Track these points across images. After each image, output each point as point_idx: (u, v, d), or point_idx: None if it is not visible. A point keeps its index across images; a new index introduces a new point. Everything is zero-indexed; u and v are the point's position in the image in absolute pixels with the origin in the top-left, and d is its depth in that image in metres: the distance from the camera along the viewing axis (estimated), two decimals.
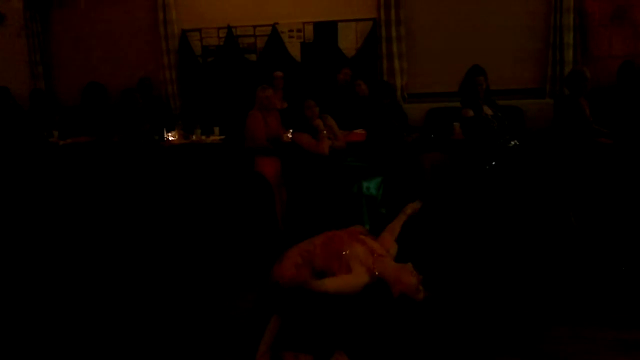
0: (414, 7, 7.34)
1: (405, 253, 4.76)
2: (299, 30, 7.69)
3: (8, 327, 3.79)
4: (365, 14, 7.43)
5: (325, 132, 5.48)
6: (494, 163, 4.96)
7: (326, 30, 7.60)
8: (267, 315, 3.07)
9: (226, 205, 5.76)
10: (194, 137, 6.86)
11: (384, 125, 6.00)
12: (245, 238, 5.35)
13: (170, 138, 6.86)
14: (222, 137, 6.82)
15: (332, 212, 5.20)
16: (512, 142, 5.15)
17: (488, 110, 5.06)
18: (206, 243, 5.34)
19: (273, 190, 5.57)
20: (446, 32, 7.23)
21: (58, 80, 8.67)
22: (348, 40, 7.57)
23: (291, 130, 5.96)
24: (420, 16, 7.34)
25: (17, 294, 4.38)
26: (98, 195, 6.02)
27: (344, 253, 3.05)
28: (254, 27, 7.80)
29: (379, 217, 5.24)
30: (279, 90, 6.97)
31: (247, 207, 5.50)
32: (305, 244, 3.18)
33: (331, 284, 2.95)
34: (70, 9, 8.41)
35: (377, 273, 3.00)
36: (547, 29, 6.88)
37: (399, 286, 2.97)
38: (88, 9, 8.34)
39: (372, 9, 7.36)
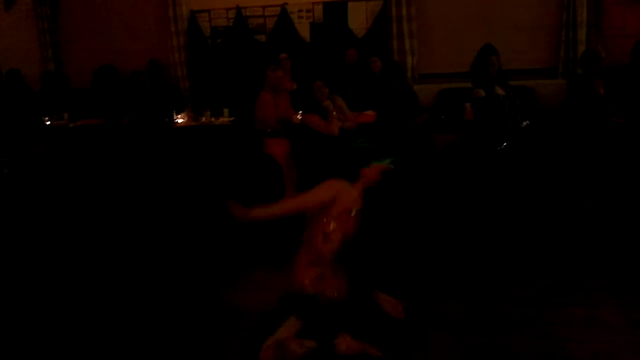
0: None
1: (416, 235, 4.78)
2: (308, 11, 7.62)
3: (5, 324, 3.80)
4: None
5: (334, 113, 5.46)
6: (505, 144, 4.91)
7: (336, 10, 7.52)
8: (285, 314, 3.11)
9: (236, 187, 5.76)
10: (203, 119, 6.85)
11: (394, 106, 5.96)
12: None
13: (180, 120, 6.85)
14: (232, 118, 6.81)
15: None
16: (524, 123, 5.10)
17: (500, 91, 5.00)
18: (216, 224, 5.35)
19: (283, 172, 5.57)
20: (457, 12, 7.14)
21: (68, 62, 8.67)
22: (358, 20, 7.49)
23: (301, 112, 5.93)
24: None
25: (19, 282, 4.39)
26: (108, 177, 6.04)
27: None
28: (263, 7, 7.74)
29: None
30: (287, 72, 6.93)
31: (257, 188, 5.50)
32: (305, 249, 3.19)
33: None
34: None
35: None
36: (561, 8, 6.78)
37: None
38: None
39: None
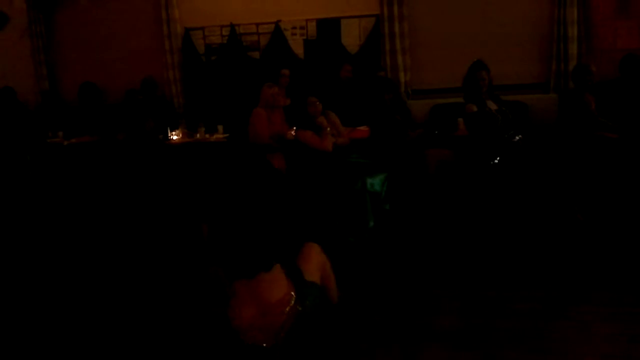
0: (417, 3, 7.31)
1: (413, 248, 4.78)
2: (302, 28, 7.68)
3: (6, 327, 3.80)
4: (368, 10, 7.41)
5: (328, 128, 5.48)
6: (498, 158, 4.94)
7: (329, 27, 7.58)
8: None
9: (232, 203, 5.75)
10: (197, 135, 6.87)
11: (387, 122, 6.00)
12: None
13: (174, 137, 6.87)
14: (226, 135, 6.83)
15: (336, 209, 5.19)
16: (517, 137, 5.15)
17: (492, 106, 5.04)
18: (211, 239, 5.33)
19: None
20: (449, 27, 7.20)
21: (62, 80, 8.69)
22: (351, 37, 7.55)
23: (295, 128, 5.95)
24: (423, 12, 7.31)
25: (18, 294, 4.38)
26: (102, 194, 6.03)
27: None
28: (257, 24, 7.80)
29: (383, 213, 5.24)
30: (282, 88, 6.97)
31: (261, 196, 5.49)
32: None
33: None
34: (74, 10, 8.43)
35: None
36: (551, 23, 6.84)
37: None
38: (91, 9, 8.34)
39: (375, 5, 7.34)
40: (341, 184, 5.24)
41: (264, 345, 2.74)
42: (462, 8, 7.13)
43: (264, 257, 2.76)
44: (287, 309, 2.77)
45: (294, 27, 7.71)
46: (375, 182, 5.23)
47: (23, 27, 8.53)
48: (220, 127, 6.93)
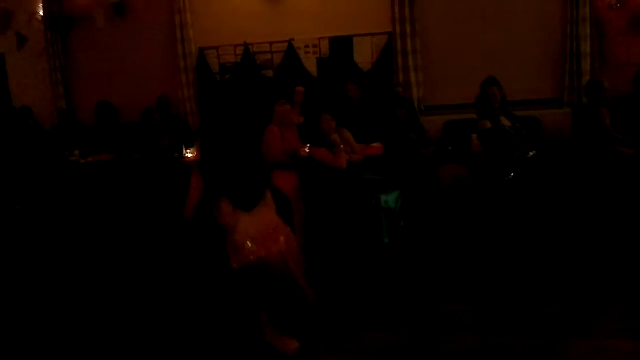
0: (429, 21, 7.36)
1: (428, 265, 4.77)
2: (315, 46, 7.74)
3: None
4: (381, 28, 7.46)
5: (342, 146, 5.50)
6: (512, 175, 4.93)
7: (342, 45, 7.64)
8: None
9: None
10: None
11: (400, 139, 6.01)
12: None
13: (189, 155, 6.92)
14: None
15: (350, 226, 5.20)
16: (531, 153, 5.13)
17: (506, 122, 5.04)
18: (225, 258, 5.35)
19: (291, 205, 5.58)
20: (462, 44, 7.24)
21: (79, 99, 8.81)
22: (364, 55, 7.60)
23: (309, 145, 5.99)
24: (436, 29, 7.35)
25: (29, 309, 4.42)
26: (119, 212, 6.08)
27: None
28: (271, 43, 7.87)
29: (397, 230, 5.24)
30: (296, 105, 7.01)
31: None
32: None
33: None
34: (90, 31, 8.56)
35: None
36: (564, 39, 6.86)
37: None
38: (107, 29, 8.48)
39: (387, 23, 7.39)
40: (356, 201, 5.26)
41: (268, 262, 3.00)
42: (474, 24, 7.17)
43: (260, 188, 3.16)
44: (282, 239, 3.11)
45: (307, 46, 7.78)
46: (389, 199, 5.24)
47: (40, 47, 8.67)
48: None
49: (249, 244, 3.00)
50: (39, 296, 4.68)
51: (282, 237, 3.13)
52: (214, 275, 3.22)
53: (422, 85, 7.42)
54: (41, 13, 8.49)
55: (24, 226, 5.65)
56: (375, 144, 6.35)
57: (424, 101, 7.46)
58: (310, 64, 7.80)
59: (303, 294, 3.15)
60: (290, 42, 7.79)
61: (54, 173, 6.66)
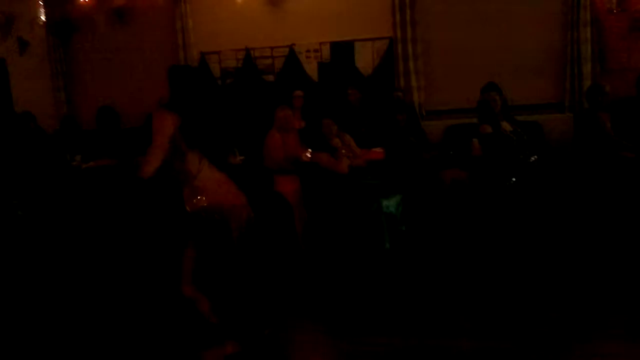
0: (430, 25, 7.37)
1: (426, 272, 4.77)
2: (316, 51, 7.76)
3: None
4: (382, 33, 7.47)
5: (343, 150, 5.51)
6: (514, 179, 4.93)
7: (343, 50, 7.66)
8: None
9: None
10: None
11: (401, 143, 6.01)
12: (266, 257, 5.35)
13: None
14: (242, 157, 6.87)
15: (351, 231, 5.20)
16: (533, 158, 5.14)
17: (507, 126, 5.05)
18: (227, 262, 5.35)
19: (293, 210, 5.59)
20: (463, 48, 7.24)
21: (80, 104, 8.83)
22: (365, 59, 7.61)
23: (310, 150, 5.99)
24: (437, 34, 7.37)
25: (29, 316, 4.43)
26: (119, 217, 6.08)
27: None
28: (272, 48, 7.89)
29: (399, 235, 5.24)
30: (297, 110, 7.02)
31: (267, 226, 5.51)
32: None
33: None
34: (91, 35, 8.59)
35: None
36: (565, 44, 6.87)
37: None
38: (108, 34, 8.51)
39: (388, 28, 7.41)
40: (357, 206, 5.26)
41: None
42: (475, 29, 7.18)
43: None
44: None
45: (308, 51, 7.79)
46: (390, 204, 5.24)
47: (42, 52, 8.69)
48: (235, 150, 6.97)
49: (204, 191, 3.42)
50: (42, 300, 4.69)
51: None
52: (170, 218, 3.76)
53: (423, 89, 7.43)
54: (43, 18, 8.50)
55: (27, 231, 5.66)
56: (376, 149, 6.35)
57: (425, 106, 7.47)
58: (311, 69, 7.81)
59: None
60: (291, 47, 7.81)
61: (56, 178, 6.67)
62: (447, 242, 5.27)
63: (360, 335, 3.78)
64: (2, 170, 6.78)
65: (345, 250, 5.13)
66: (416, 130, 6.52)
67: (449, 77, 7.34)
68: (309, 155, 5.87)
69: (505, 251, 4.78)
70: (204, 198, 3.42)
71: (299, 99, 7.12)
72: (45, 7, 8.48)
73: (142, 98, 8.11)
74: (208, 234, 3.45)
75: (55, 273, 5.23)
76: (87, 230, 6.02)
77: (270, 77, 7.98)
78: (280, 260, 5.23)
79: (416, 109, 7.31)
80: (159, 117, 3.40)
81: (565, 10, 6.85)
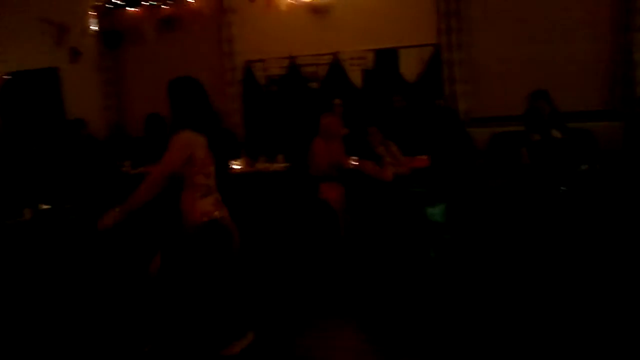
0: (475, 32, 7.30)
1: (475, 278, 4.70)
2: (360, 58, 7.77)
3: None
4: (426, 39, 7.44)
5: (388, 159, 5.50)
6: (564, 188, 4.83)
7: (387, 57, 7.65)
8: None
9: (292, 232, 5.81)
10: (258, 165, 7.00)
11: (447, 151, 5.97)
12: (313, 264, 5.38)
13: (236, 166, 7.02)
14: (287, 164, 6.93)
15: (396, 239, 5.18)
16: (583, 167, 5.03)
17: (557, 134, 4.96)
18: (272, 270, 5.40)
19: (338, 217, 5.61)
20: (510, 54, 7.15)
21: (129, 111, 9.06)
22: (409, 66, 7.58)
23: (354, 157, 6.00)
24: (483, 40, 7.29)
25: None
26: (168, 221, 6.19)
27: None
28: (316, 56, 7.94)
29: (443, 243, 5.19)
30: (339, 117, 7.04)
31: (313, 233, 5.54)
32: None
33: None
34: (140, 45, 8.81)
35: None
36: (616, 48, 6.71)
37: None
38: (156, 44, 8.70)
39: (432, 34, 7.37)
40: (402, 214, 5.24)
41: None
42: (522, 34, 7.09)
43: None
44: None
45: (352, 58, 7.81)
46: (435, 212, 5.21)
47: (93, 61, 8.96)
48: (280, 157, 7.05)
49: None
50: (98, 302, 4.81)
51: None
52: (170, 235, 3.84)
53: (469, 96, 7.36)
54: (94, 28, 8.78)
55: (80, 234, 5.82)
56: (421, 157, 6.32)
57: (470, 113, 7.39)
58: (355, 76, 7.83)
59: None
60: (335, 55, 7.84)
61: (106, 183, 6.84)
62: (493, 251, 5.19)
63: (403, 343, 3.76)
64: (55, 176, 7.01)
65: (389, 258, 5.11)
66: (462, 137, 6.46)
67: (495, 84, 7.25)
68: (355, 163, 5.89)
69: (555, 262, 4.68)
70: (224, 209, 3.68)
71: (339, 107, 7.15)
72: (96, 17, 8.77)
73: None
74: (219, 244, 3.64)
75: (107, 276, 5.36)
76: (136, 234, 6.15)
77: (315, 85, 8.03)
78: (325, 266, 5.26)
79: (461, 116, 7.23)
80: (183, 140, 3.52)
81: (615, 15, 6.69)
